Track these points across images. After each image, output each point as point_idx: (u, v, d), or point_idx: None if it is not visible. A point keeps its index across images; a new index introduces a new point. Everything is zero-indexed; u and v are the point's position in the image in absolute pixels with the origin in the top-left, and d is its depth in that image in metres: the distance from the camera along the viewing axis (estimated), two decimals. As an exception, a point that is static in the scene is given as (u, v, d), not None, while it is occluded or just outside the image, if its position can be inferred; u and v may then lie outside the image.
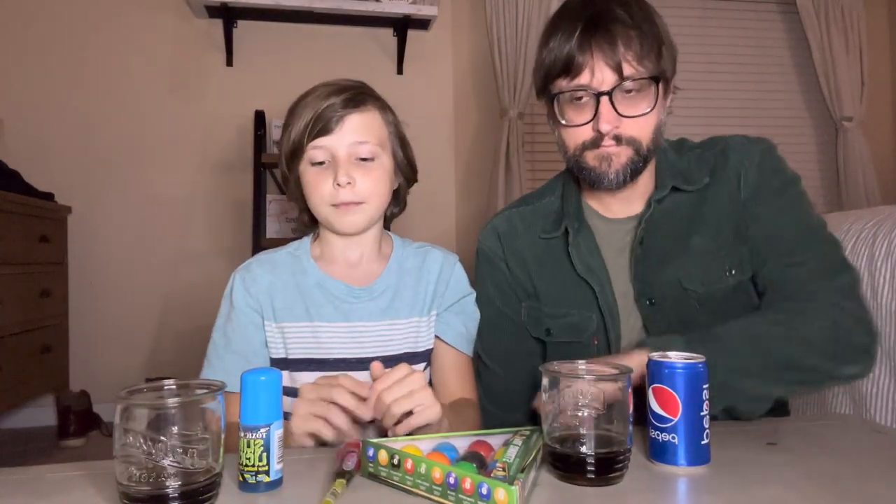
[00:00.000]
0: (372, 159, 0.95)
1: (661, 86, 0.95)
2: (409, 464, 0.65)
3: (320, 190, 0.94)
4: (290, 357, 0.96)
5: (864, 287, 1.36)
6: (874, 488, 0.67)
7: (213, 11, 2.83)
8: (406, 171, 1.03)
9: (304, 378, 0.92)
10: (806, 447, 0.80)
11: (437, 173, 3.10)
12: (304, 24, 2.96)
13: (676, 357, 0.74)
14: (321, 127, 0.92)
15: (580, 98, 0.95)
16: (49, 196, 2.59)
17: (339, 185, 0.92)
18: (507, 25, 3.06)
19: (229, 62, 2.91)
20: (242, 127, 2.90)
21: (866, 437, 0.88)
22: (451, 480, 0.61)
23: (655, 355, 0.75)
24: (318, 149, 0.93)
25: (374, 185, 0.95)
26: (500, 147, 3.04)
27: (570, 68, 0.93)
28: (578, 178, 1.04)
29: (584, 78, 0.93)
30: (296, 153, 0.95)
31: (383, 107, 0.99)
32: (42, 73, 2.77)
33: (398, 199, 1.06)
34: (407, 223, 2.95)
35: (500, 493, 0.58)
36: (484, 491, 0.59)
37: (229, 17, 2.83)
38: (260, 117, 2.71)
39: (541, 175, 3.15)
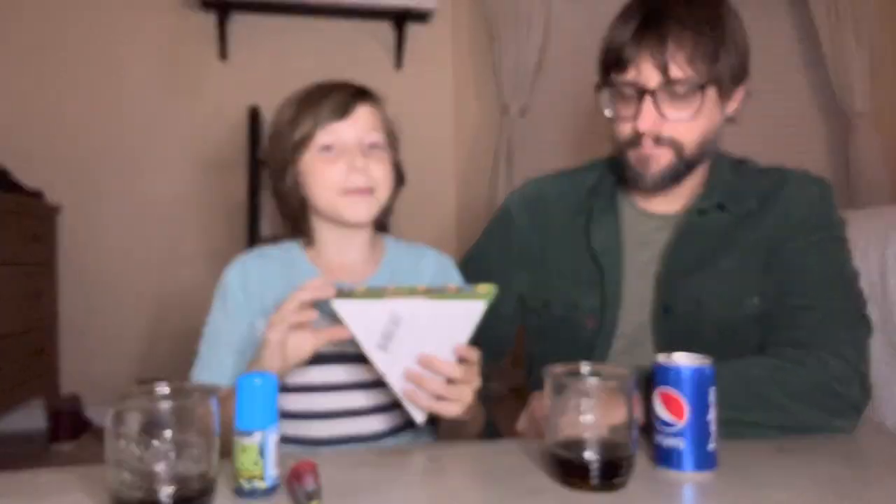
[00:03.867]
0: (380, 148, 0.98)
1: (713, 91, 0.95)
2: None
3: (329, 175, 0.94)
4: None
5: (877, 291, 1.34)
6: (884, 493, 0.68)
7: (206, 4, 2.79)
8: (398, 172, 1.03)
9: (297, 373, 0.91)
10: (815, 451, 0.80)
11: (437, 170, 3.06)
12: (301, 16, 2.93)
13: (683, 360, 0.74)
14: (334, 112, 0.94)
15: (627, 93, 0.97)
16: (38, 194, 2.56)
17: (354, 168, 0.93)
18: (507, 19, 3.01)
19: (223, 56, 2.87)
20: (237, 123, 2.85)
21: (876, 442, 0.88)
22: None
23: (661, 358, 0.75)
24: (329, 134, 0.94)
25: (384, 173, 0.97)
26: (502, 143, 3.01)
27: (620, 62, 0.96)
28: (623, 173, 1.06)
29: (631, 73, 0.95)
30: (304, 141, 0.95)
31: (383, 107, 1.02)
32: (29, 68, 2.73)
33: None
34: (406, 222, 2.90)
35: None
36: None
37: (223, 9, 2.80)
38: (255, 113, 2.68)
39: (543, 172, 3.10)
